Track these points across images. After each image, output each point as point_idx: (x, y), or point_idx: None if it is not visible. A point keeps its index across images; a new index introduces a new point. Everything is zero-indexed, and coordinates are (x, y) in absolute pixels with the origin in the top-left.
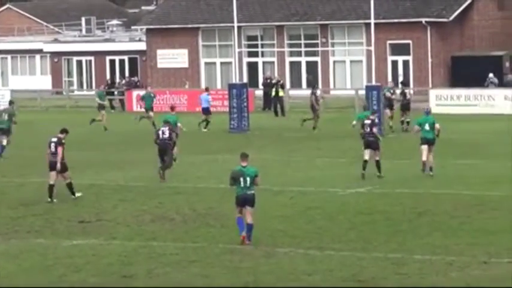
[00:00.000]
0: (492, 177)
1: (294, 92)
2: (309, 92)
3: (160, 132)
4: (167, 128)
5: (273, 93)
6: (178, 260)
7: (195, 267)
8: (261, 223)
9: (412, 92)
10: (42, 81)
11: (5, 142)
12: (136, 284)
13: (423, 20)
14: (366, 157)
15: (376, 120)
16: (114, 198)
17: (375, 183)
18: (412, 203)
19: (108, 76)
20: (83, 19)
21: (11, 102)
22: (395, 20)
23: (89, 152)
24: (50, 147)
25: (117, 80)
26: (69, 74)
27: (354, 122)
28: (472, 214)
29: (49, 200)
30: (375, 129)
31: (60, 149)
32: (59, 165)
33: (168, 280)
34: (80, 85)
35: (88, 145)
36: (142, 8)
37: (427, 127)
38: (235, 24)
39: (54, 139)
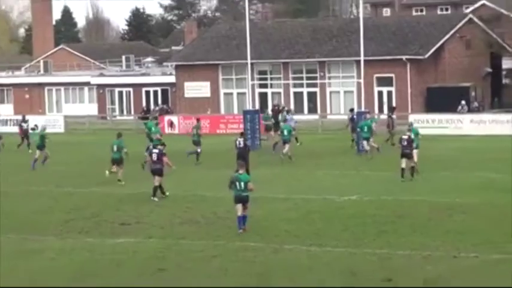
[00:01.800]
0: (461, 187)
1: (297, 117)
2: (311, 117)
3: (237, 143)
4: (242, 139)
5: (280, 118)
6: (203, 255)
7: (217, 262)
8: (270, 225)
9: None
10: (90, 109)
11: (199, 150)
12: (168, 276)
13: (403, 57)
14: (403, 165)
15: (412, 136)
16: (150, 204)
17: (364, 192)
18: (395, 208)
19: (144, 104)
20: (123, 57)
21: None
22: (381, 58)
23: (128, 166)
24: (151, 156)
25: (152, 107)
26: (112, 102)
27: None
28: (444, 217)
29: (154, 199)
30: (414, 145)
31: (164, 158)
32: (163, 169)
33: (195, 272)
34: (121, 111)
35: (129, 160)
36: (173, 47)
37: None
38: (249, 61)
39: (156, 150)
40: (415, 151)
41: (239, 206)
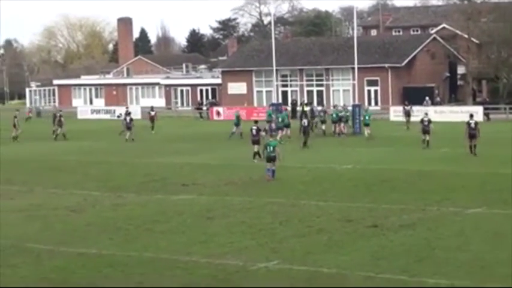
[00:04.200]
0: (427, 158)
1: (308, 108)
2: (319, 108)
3: (302, 123)
4: (306, 120)
5: (301, 108)
6: (241, 207)
7: (251, 212)
8: (290, 185)
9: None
10: (159, 102)
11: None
12: (214, 221)
13: (386, 65)
14: (427, 138)
15: (431, 120)
16: (204, 171)
17: (357, 163)
18: (380, 174)
19: (198, 98)
20: (184, 64)
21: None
22: (370, 65)
23: (187, 143)
24: (252, 131)
25: (204, 101)
26: (175, 97)
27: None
28: (415, 181)
29: (254, 161)
30: (431, 125)
31: (261, 133)
32: (259, 140)
33: (234, 220)
34: (182, 104)
35: (188, 139)
36: (219, 58)
37: (367, 117)
38: (274, 68)
39: (255, 127)
40: (367, 127)
41: (268, 163)
